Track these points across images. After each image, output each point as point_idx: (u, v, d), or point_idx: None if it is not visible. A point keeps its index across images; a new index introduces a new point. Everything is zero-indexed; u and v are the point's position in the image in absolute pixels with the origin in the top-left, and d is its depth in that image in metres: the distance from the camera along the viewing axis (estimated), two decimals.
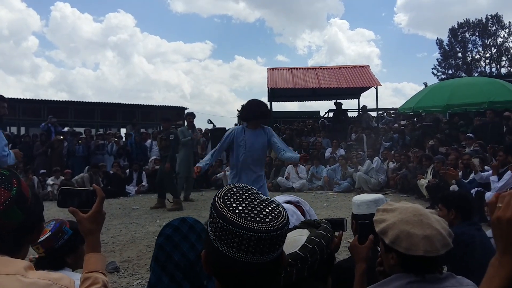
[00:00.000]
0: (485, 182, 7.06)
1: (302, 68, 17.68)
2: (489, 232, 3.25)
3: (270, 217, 0.93)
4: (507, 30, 37.44)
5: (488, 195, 6.48)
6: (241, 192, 0.98)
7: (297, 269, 1.34)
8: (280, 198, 2.12)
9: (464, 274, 2.34)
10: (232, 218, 0.91)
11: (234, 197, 0.96)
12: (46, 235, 1.95)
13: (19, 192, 1.21)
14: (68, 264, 2.04)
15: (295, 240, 1.44)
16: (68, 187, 1.52)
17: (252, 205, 0.94)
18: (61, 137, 12.73)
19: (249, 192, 0.99)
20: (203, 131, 14.38)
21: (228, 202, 0.95)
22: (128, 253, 5.34)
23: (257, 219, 0.92)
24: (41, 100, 18.78)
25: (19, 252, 1.26)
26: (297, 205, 2.05)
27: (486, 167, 7.78)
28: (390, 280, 1.56)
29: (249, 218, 0.91)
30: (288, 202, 2.06)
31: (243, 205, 0.94)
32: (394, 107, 18.10)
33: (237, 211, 0.92)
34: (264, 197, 1.00)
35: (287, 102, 20.83)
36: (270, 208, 0.95)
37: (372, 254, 1.90)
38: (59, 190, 1.47)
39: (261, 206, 0.95)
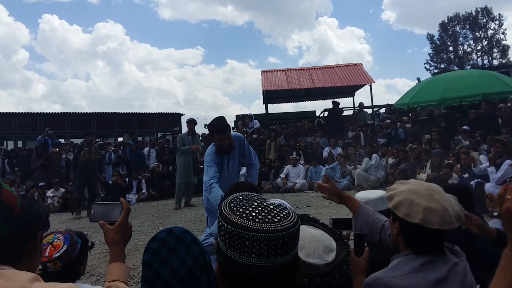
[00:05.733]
0: (484, 174, 7.12)
1: (296, 69, 17.72)
2: (491, 223, 3.28)
3: (278, 217, 0.92)
4: (497, 22, 37.71)
5: (488, 187, 6.54)
6: (247, 198, 0.98)
7: (316, 285, 1.35)
8: None
9: None
10: (240, 222, 0.90)
11: (241, 203, 0.96)
12: (63, 249, 1.95)
13: None
14: (82, 272, 2.05)
15: (327, 246, 1.44)
16: (99, 202, 1.55)
17: (259, 208, 0.94)
18: (57, 149, 12.71)
19: (255, 198, 0.99)
20: (200, 135, 14.36)
21: (235, 208, 0.94)
22: (133, 261, 5.34)
23: (266, 220, 0.90)
24: (37, 113, 18.68)
25: (18, 263, 1.19)
26: None
27: (481, 156, 7.87)
28: (398, 264, 1.56)
29: (257, 220, 0.90)
30: None
31: (250, 209, 0.93)
32: (388, 103, 18.15)
33: (244, 214, 0.91)
34: (271, 201, 0.99)
35: (282, 103, 20.88)
36: (277, 210, 0.95)
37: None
38: (91, 205, 1.51)
39: (268, 209, 0.94)
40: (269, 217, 0.91)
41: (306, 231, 1.48)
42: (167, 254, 1.40)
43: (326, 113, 17.21)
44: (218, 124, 4.10)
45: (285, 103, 21.43)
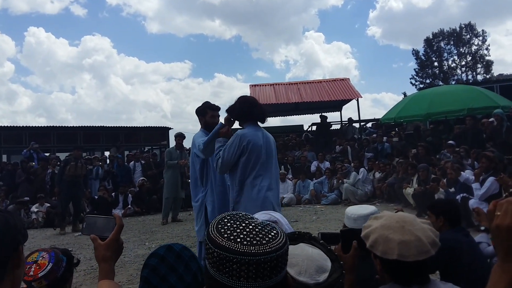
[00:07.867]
0: (470, 185, 7.14)
1: (284, 84, 17.86)
2: (478, 237, 3.30)
3: (266, 239, 0.90)
4: (480, 38, 38.54)
5: (472, 203, 6.58)
6: (234, 219, 0.96)
7: None
8: (256, 216, 2.05)
9: (453, 279, 2.38)
10: (227, 245, 0.88)
11: (228, 224, 0.94)
12: (48, 267, 1.90)
13: None
14: None
15: (320, 266, 1.44)
16: (93, 215, 1.51)
17: (247, 230, 0.92)
18: (32, 163, 12.70)
19: (243, 218, 0.97)
20: (188, 150, 14.28)
21: (222, 230, 0.92)
22: (118, 277, 5.25)
23: (253, 242, 0.89)
24: (22, 126, 18.43)
25: (2, 280, 1.14)
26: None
27: (467, 171, 7.93)
28: None
29: (245, 243, 0.88)
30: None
31: (238, 230, 0.91)
32: (375, 117, 18.33)
33: (231, 237, 0.90)
34: (260, 221, 0.97)
35: (270, 117, 20.94)
36: (265, 231, 0.93)
37: (363, 265, 1.89)
38: (84, 217, 1.48)
39: (256, 230, 0.92)
40: (258, 238, 0.90)
41: (303, 249, 1.48)
42: (166, 271, 1.42)
43: (314, 127, 17.31)
44: (210, 103, 4.30)
45: (273, 117, 21.51)
